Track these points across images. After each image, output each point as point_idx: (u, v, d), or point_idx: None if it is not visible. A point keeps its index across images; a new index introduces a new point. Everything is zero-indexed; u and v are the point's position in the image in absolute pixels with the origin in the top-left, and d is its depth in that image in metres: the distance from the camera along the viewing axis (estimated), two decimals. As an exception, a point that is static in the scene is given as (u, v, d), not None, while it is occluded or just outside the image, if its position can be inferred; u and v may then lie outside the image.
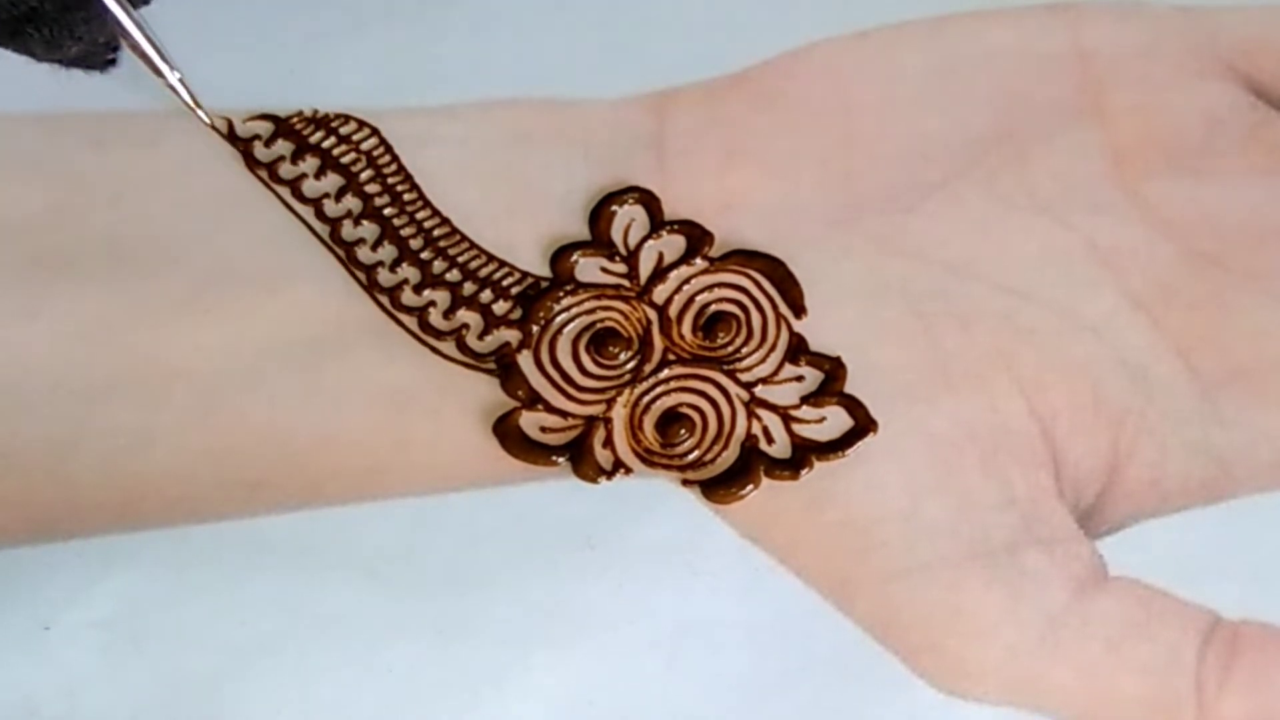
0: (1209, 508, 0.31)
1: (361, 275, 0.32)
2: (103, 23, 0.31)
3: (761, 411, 0.31)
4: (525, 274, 0.33)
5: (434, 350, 0.32)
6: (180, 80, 0.32)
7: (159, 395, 0.31)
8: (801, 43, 0.36)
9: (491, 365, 0.32)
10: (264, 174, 0.33)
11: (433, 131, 0.35)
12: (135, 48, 0.32)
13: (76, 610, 0.30)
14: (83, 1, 0.30)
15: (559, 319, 0.32)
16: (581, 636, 0.30)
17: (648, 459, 0.31)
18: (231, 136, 0.34)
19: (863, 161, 0.34)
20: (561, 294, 0.32)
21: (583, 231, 0.33)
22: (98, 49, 0.31)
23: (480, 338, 0.32)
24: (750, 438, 0.31)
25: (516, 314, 0.32)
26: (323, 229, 0.33)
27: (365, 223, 0.33)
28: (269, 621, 0.30)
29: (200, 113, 0.32)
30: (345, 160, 0.34)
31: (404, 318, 0.32)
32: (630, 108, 0.35)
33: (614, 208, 0.33)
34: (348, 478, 0.31)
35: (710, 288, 0.33)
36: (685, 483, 0.31)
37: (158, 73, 0.32)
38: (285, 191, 0.33)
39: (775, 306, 0.32)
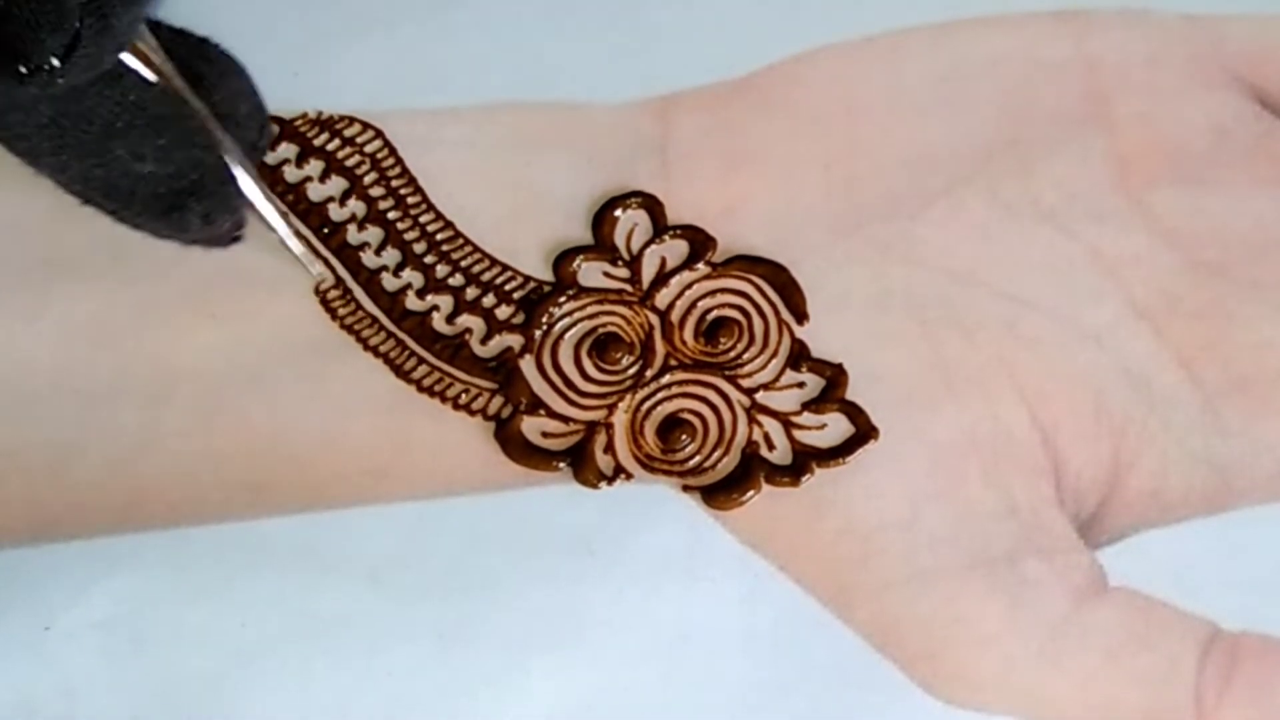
0: (1209, 519, 0.31)
1: (362, 281, 0.33)
2: (244, 196, 0.30)
3: (763, 417, 0.31)
4: (528, 278, 0.33)
5: (434, 366, 0.32)
6: (305, 251, 0.32)
7: (161, 397, 0.31)
8: (806, 48, 0.36)
9: (491, 374, 0.32)
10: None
11: (437, 134, 0.35)
12: (261, 216, 0.31)
13: (77, 611, 0.30)
14: (233, 174, 0.29)
15: (561, 324, 0.32)
16: (581, 641, 0.30)
17: (649, 465, 0.31)
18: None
19: (866, 167, 0.34)
20: (564, 299, 0.32)
21: (586, 236, 0.33)
22: (235, 224, 0.30)
23: (483, 343, 0.32)
24: (751, 444, 0.31)
25: (519, 319, 0.32)
26: (325, 234, 0.33)
27: (369, 227, 0.33)
28: (269, 623, 0.30)
29: (313, 270, 0.32)
30: (349, 163, 0.34)
31: (407, 324, 0.32)
32: (634, 112, 0.35)
33: (617, 212, 0.33)
34: (350, 481, 0.31)
35: (712, 293, 0.33)
36: (686, 489, 0.31)
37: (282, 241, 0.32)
38: (290, 198, 0.33)
39: (777, 312, 0.32)
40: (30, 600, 0.30)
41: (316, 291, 0.32)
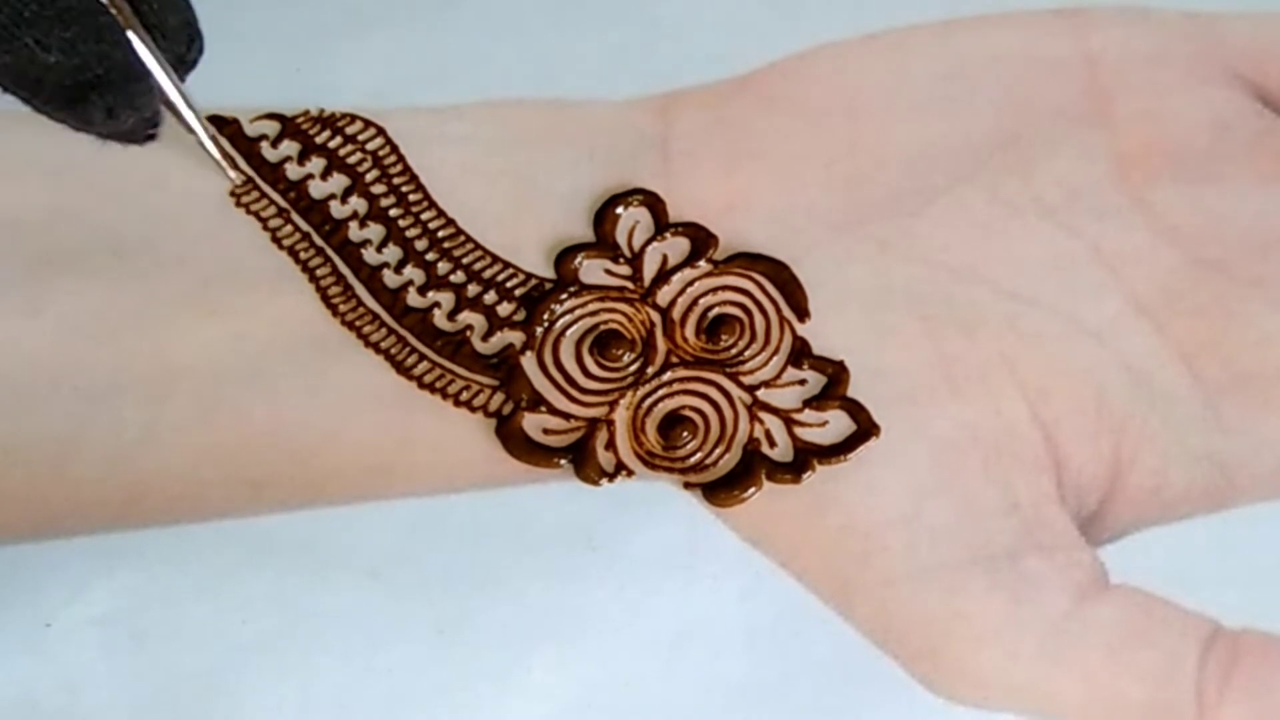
0: (1210, 516, 0.31)
1: (364, 278, 0.33)
2: (154, 96, 0.30)
3: (764, 414, 0.31)
4: (529, 275, 0.33)
5: (435, 363, 0.32)
6: (225, 156, 0.33)
7: (162, 393, 0.31)
8: (807, 45, 0.36)
9: (492, 371, 0.32)
10: (268, 176, 0.34)
11: (438, 131, 0.35)
12: (181, 119, 0.31)
13: (77, 607, 0.30)
14: (143, 73, 0.30)
15: (562, 321, 0.32)
16: (582, 638, 0.30)
17: (650, 461, 0.31)
18: (239, 136, 0.34)
19: (868, 165, 0.34)
20: (565, 296, 0.32)
21: (587, 233, 0.33)
22: (146, 122, 0.30)
23: (484, 339, 0.32)
24: (752, 441, 0.31)
25: (520, 316, 0.32)
26: (327, 231, 0.33)
27: (371, 224, 0.33)
28: (269, 620, 0.30)
29: (231, 174, 0.33)
30: (351, 160, 0.34)
31: (408, 321, 0.32)
32: (636, 109, 0.35)
33: (619, 209, 0.33)
34: (350, 478, 0.31)
35: (714, 290, 0.33)
36: (687, 485, 0.31)
37: (200, 143, 0.32)
38: (292, 195, 0.34)
39: (779, 310, 0.32)
40: (31, 596, 0.30)
41: (232, 193, 0.33)
